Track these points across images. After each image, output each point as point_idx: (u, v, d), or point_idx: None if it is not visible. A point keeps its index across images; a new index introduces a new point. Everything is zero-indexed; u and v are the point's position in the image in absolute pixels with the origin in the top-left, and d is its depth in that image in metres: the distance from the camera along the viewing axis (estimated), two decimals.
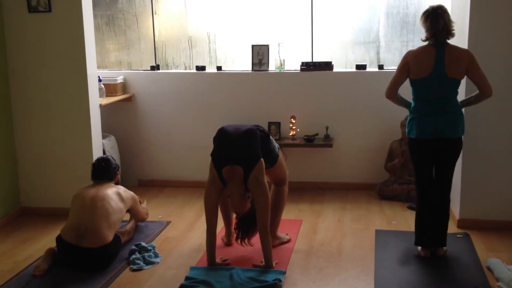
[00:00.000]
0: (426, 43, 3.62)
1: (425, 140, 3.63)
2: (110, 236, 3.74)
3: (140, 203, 4.39)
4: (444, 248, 3.83)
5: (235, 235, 3.91)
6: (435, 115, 3.58)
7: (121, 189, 4.06)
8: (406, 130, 3.76)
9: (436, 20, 3.51)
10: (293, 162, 5.27)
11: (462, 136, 3.71)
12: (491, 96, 3.62)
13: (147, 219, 4.48)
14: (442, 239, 3.78)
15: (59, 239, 3.76)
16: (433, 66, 3.52)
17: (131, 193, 4.17)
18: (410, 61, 3.59)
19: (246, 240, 3.84)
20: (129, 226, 4.11)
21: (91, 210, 3.74)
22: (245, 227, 3.78)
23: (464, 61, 3.52)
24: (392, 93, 3.71)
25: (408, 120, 3.74)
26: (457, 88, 3.60)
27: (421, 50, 3.60)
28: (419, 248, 3.84)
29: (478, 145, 4.23)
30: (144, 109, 5.58)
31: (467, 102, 3.75)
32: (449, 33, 3.55)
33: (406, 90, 3.74)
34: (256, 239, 3.79)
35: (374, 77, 5.18)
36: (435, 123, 3.57)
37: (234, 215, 3.96)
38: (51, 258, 3.77)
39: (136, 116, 5.61)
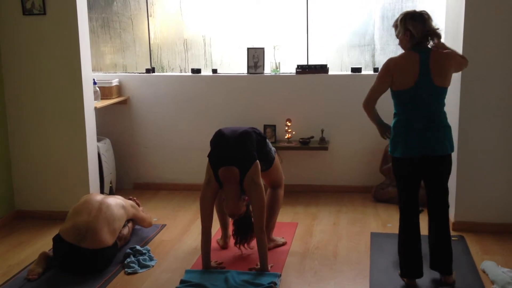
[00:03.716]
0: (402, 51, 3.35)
1: (412, 159, 3.30)
2: (110, 241, 3.78)
3: (139, 206, 4.48)
4: (453, 273, 3.47)
5: (232, 240, 3.90)
6: (422, 130, 3.27)
7: (121, 198, 4.20)
8: (389, 149, 3.42)
9: (426, 21, 3.24)
10: (289, 165, 5.27)
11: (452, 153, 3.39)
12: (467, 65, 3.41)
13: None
14: (449, 266, 3.43)
15: (57, 238, 3.76)
16: (419, 74, 3.22)
17: (130, 201, 4.30)
18: (393, 70, 3.27)
19: (245, 244, 3.83)
20: (126, 231, 4.12)
21: (96, 213, 3.81)
22: (243, 232, 3.78)
23: (450, 62, 3.27)
24: (370, 105, 3.40)
25: (391, 137, 3.41)
26: (444, 97, 3.32)
27: (404, 57, 3.29)
28: (405, 279, 3.48)
29: (472, 148, 4.24)
30: (139, 112, 5.57)
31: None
32: (436, 35, 3.28)
33: (386, 100, 3.54)
34: (254, 242, 3.79)
35: (369, 80, 5.07)
36: (423, 138, 3.27)
37: (231, 219, 3.95)
38: (45, 262, 3.77)
39: (131, 119, 5.60)
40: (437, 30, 3.30)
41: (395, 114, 3.39)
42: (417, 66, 3.23)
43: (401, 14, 3.35)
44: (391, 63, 3.31)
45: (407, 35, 3.28)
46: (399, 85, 3.28)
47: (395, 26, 3.37)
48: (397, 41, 3.43)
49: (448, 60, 3.29)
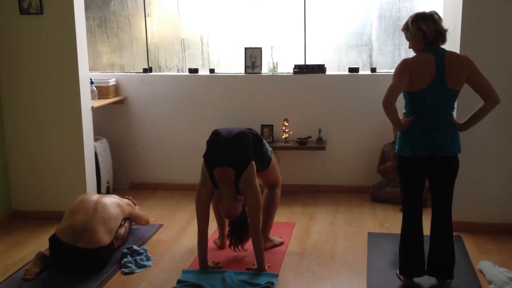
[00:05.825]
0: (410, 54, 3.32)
1: (420, 158, 3.28)
2: (106, 240, 3.77)
3: (135, 204, 4.47)
4: (449, 280, 3.44)
5: (228, 241, 3.90)
6: (431, 130, 3.25)
7: (117, 197, 4.20)
8: (397, 147, 3.38)
9: (437, 21, 3.22)
10: (286, 164, 5.27)
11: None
12: (500, 102, 3.24)
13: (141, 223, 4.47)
14: (450, 270, 3.39)
15: (53, 238, 3.75)
16: (434, 76, 3.17)
17: (125, 200, 4.30)
18: (409, 70, 3.20)
19: (239, 246, 3.83)
20: (123, 231, 4.12)
21: (93, 212, 3.81)
22: (238, 233, 3.77)
23: (466, 68, 3.20)
24: (391, 103, 3.21)
25: (398, 135, 3.38)
26: (455, 100, 3.29)
27: (419, 59, 3.24)
28: (402, 277, 3.49)
29: (470, 148, 4.23)
30: (136, 111, 5.57)
31: (472, 120, 3.33)
32: (445, 38, 3.27)
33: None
34: (249, 244, 3.78)
35: (366, 80, 5.19)
36: (432, 139, 3.25)
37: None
38: (41, 262, 3.76)
39: (128, 119, 5.59)
40: (447, 32, 3.26)
41: (406, 115, 3.35)
42: (432, 68, 3.18)
43: (411, 16, 3.30)
44: (407, 63, 3.24)
45: (419, 35, 3.22)
46: (413, 86, 3.22)
47: (406, 28, 3.31)
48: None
49: (464, 61, 3.23)
